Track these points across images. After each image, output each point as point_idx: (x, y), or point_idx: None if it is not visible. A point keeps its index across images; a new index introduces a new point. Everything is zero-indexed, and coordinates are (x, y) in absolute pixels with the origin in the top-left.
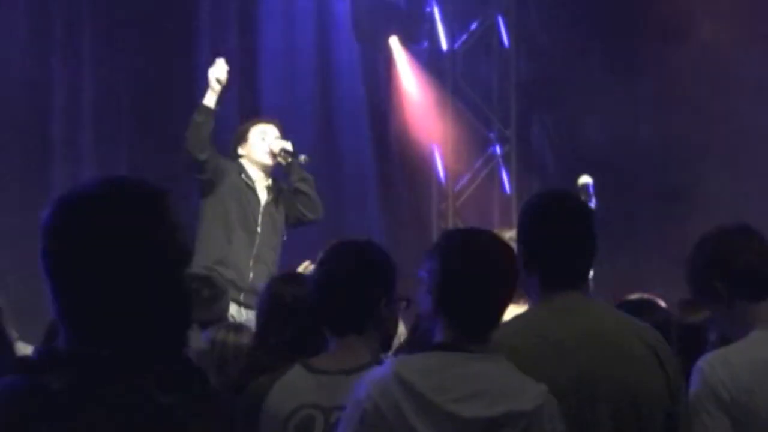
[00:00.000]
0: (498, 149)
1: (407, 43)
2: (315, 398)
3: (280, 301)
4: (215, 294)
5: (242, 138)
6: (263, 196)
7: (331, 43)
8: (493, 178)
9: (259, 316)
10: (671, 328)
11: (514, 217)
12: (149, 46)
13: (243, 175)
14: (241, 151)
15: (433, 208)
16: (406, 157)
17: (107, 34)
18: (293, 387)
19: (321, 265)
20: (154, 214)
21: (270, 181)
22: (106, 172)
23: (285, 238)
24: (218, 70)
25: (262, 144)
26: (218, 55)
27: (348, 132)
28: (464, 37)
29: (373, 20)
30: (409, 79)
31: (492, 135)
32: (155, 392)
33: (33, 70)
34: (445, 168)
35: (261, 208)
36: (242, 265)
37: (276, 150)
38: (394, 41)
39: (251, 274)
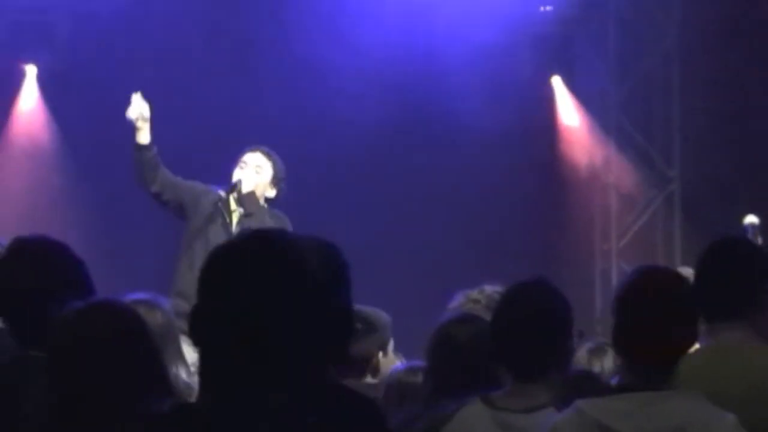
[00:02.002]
0: (662, 189)
1: (571, 79)
2: None
3: (453, 342)
4: (366, 329)
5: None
6: (234, 218)
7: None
8: (657, 218)
9: (431, 356)
10: None
11: (678, 259)
12: None
13: (220, 203)
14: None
15: (596, 248)
16: (568, 195)
17: None
18: (472, 421)
19: (502, 308)
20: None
21: (244, 209)
22: None
23: None
24: (136, 108)
25: (237, 173)
26: None
27: (507, 167)
28: (629, 74)
29: (536, 55)
30: (572, 116)
31: (656, 174)
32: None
33: None
34: (609, 207)
35: (232, 230)
36: None
37: (233, 181)
38: (556, 80)
39: None
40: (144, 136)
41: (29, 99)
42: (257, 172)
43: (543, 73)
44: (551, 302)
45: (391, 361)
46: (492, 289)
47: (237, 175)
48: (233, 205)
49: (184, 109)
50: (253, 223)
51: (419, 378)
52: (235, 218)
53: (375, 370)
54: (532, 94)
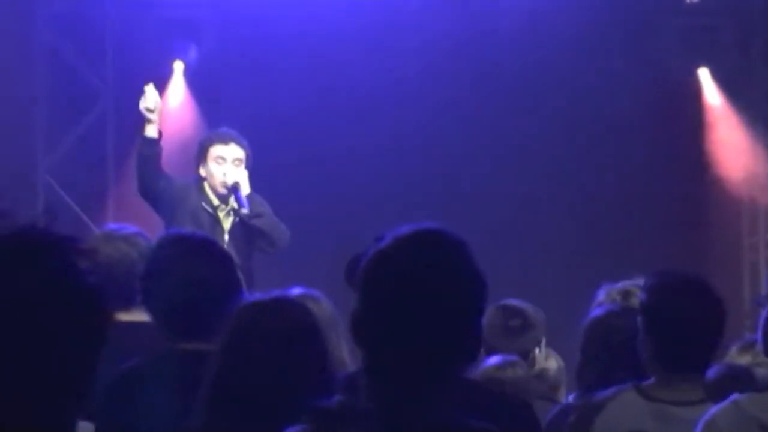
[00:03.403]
0: None
1: (719, 73)
2: (646, 425)
3: (609, 335)
4: (524, 325)
5: (201, 157)
6: (227, 222)
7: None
8: None
9: (586, 349)
10: None
11: None
12: None
13: (203, 203)
14: (202, 172)
15: (744, 241)
16: (714, 188)
17: None
18: (625, 410)
19: (659, 301)
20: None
21: (235, 204)
22: None
23: None
24: (152, 99)
25: (218, 170)
26: None
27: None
28: None
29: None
30: (717, 108)
31: None
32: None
33: None
34: (754, 201)
35: (225, 236)
36: None
37: (229, 184)
38: (703, 71)
39: None
40: (155, 129)
41: (176, 95)
42: (238, 166)
43: (689, 65)
44: (710, 296)
45: (546, 357)
46: (632, 284)
47: (217, 172)
48: (215, 199)
49: (325, 107)
50: (263, 222)
51: (511, 372)
52: (227, 225)
53: (531, 366)
54: (677, 86)
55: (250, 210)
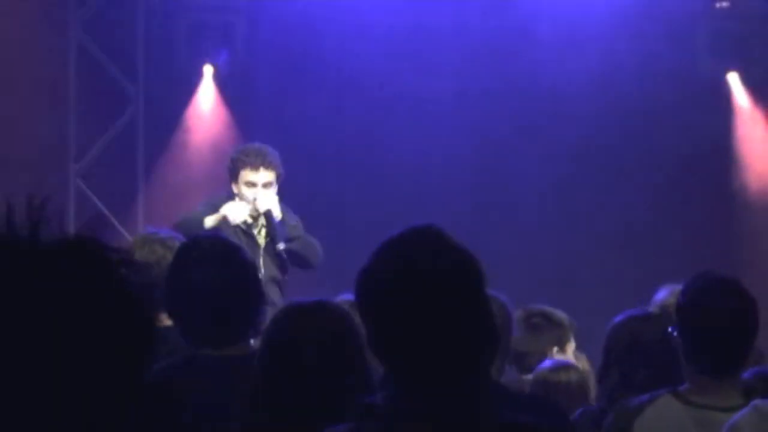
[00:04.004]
0: None
1: (748, 78)
2: (685, 430)
3: (636, 338)
4: (543, 324)
5: (233, 177)
6: (262, 237)
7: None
8: None
9: (609, 352)
10: None
11: None
12: None
13: (244, 237)
14: (234, 189)
15: None
16: (747, 196)
17: None
18: (665, 416)
19: (696, 304)
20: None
21: (281, 237)
22: None
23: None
24: (236, 212)
25: (249, 195)
26: None
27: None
28: None
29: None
30: (746, 116)
31: None
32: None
33: None
34: None
35: (261, 251)
36: None
37: (261, 212)
38: (732, 76)
39: None
40: (213, 223)
41: (207, 99)
42: (269, 189)
43: (719, 70)
44: (747, 300)
45: (576, 359)
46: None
47: (248, 196)
48: (256, 228)
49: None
50: (298, 245)
51: (564, 376)
52: (261, 241)
53: None
54: (708, 90)
55: (286, 234)
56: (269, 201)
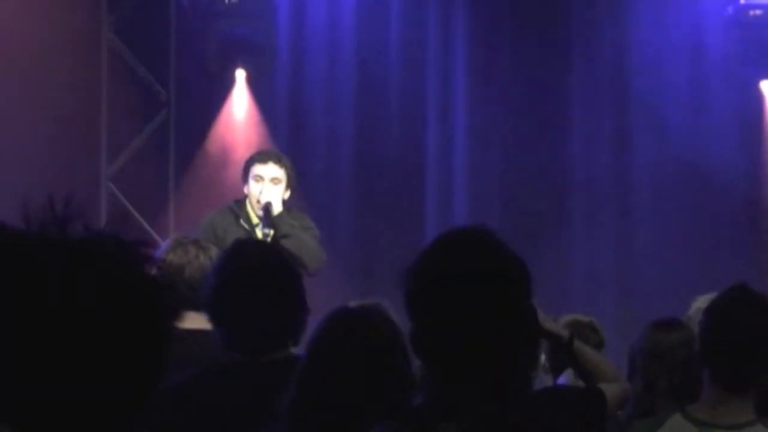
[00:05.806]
0: None
1: None
2: None
3: (658, 347)
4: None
5: (244, 176)
6: (259, 233)
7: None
8: None
9: (636, 359)
10: None
11: None
12: None
13: (241, 220)
14: (245, 190)
15: None
16: None
17: None
18: None
19: (720, 316)
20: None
21: (278, 231)
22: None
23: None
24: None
25: (256, 189)
26: None
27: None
28: None
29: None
30: None
31: None
32: None
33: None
34: None
35: None
36: None
37: (262, 202)
38: (765, 84)
39: None
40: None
41: (239, 103)
42: (276, 185)
43: (751, 77)
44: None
45: None
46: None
47: (254, 190)
48: (255, 217)
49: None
50: (291, 243)
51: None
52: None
53: None
54: (741, 99)
55: (278, 230)
56: (272, 194)
